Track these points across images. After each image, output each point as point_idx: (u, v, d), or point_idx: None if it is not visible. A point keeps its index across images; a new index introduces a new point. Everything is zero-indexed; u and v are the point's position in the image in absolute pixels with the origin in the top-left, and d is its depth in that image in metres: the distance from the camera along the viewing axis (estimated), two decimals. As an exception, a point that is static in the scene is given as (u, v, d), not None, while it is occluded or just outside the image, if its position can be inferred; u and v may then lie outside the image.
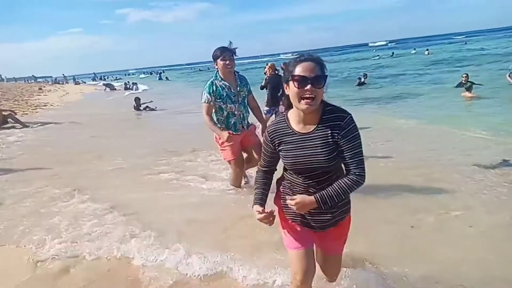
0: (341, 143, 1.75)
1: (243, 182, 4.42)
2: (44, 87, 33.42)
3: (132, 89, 29.89)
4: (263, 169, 2.02)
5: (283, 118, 1.88)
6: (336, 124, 1.76)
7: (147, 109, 14.53)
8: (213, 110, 3.93)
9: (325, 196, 1.79)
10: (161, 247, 3.09)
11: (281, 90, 7.62)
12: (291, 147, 1.83)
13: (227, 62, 3.84)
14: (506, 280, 2.47)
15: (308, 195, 1.84)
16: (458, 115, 8.65)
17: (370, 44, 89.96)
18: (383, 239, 3.06)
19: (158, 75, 49.64)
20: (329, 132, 1.76)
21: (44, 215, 4.00)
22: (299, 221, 1.97)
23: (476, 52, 29.56)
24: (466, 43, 48.94)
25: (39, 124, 11.49)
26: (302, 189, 1.89)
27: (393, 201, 3.83)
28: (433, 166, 4.90)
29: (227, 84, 3.92)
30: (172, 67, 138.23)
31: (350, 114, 1.79)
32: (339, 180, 1.80)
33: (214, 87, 3.89)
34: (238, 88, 3.99)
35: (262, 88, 8.23)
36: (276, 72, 8.13)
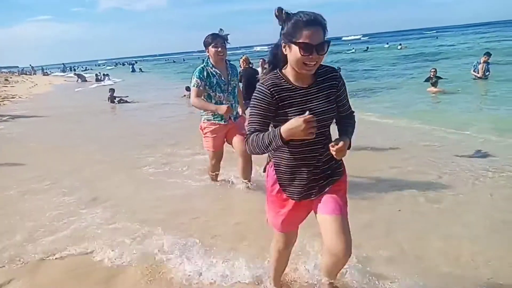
0: (339, 98, 1.86)
1: (246, 184, 4.15)
2: (10, 77, 32.08)
3: (103, 80, 29.18)
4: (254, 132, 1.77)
5: (278, 74, 1.79)
6: (333, 83, 1.83)
7: (121, 101, 14.28)
8: (202, 97, 3.83)
9: (350, 137, 1.86)
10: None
11: (257, 82, 7.89)
12: (297, 102, 1.76)
13: (219, 49, 3.78)
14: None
15: (310, 161, 1.85)
16: (423, 110, 9.03)
17: (344, 38, 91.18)
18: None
19: (131, 66, 48.35)
20: (328, 89, 1.82)
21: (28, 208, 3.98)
22: (301, 196, 1.91)
23: (447, 48, 30.56)
24: (437, 38, 50.41)
25: (8, 116, 11.13)
26: (312, 154, 1.84)
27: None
28: (406, 159, 5.14)
29: (218, 72, 3.85)
30: (145, 58, 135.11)
31: (339, 71, 1.90)
32: (346, 124, 1.92)
33: (205, 73, 3.81)
34: (229, 77, 3.92)
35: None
36: (250, 65, 8.24)
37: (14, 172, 5.46)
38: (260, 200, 2.91)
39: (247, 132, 1.80)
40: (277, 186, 1.95)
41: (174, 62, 61.66)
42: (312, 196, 1.92)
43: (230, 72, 3.95)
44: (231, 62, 4.06)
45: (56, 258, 2.94)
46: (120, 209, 3.85)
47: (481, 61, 12.33)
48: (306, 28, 1.64)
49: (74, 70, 54.30)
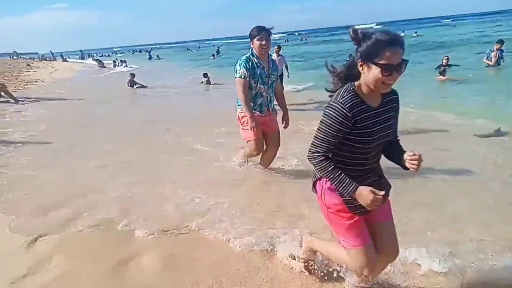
0: (394, 121, 1.91)
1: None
2: (32, 63, 33.08)
3: (120, 66, 29.89)
4: (325, 155, 1.81)
5: (354, 93, 1.77)
6: (394, 103, 1.90)
7: (139, 86, 14.80)
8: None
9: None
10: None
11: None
12: (371, 122, 1.77)
13: (264, 42, 3.80)
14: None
15: (367, 176, 1.88)
16: (429, 96, 9.20)
17: (356, 27, 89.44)
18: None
19: (148, 53, 49.13)
20: (391, 111, 1.87)
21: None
22: (362, 211, 1.88)
23: (464, 36, 30.08)
24: (454, 26, 49.42)
25: (33, 99, 11.73)
26: (365, 169, 1.88)
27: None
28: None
29: (262, 64, 3.91)
30: (161, 46, 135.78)
31: (398, 93, 1.93)
32: (397, 147, 1.93)
33: (250, 63, 3.86)
34: (270, 71, 3.97)
35: None
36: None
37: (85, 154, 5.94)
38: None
39: (318, 149, 1.80)
40: (342, 205, 1.90)
41: (188, 49, 62.00)
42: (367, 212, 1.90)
43: (271, 66, 4.01)
44: (271, 57, 4.13)
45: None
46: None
47: (494, 48, 12.39)
48: (388, 49, 1.63)
49: (92, 56, 55.34)
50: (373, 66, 1.67)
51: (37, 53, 79.55)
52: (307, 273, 2.40)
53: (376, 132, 1.78)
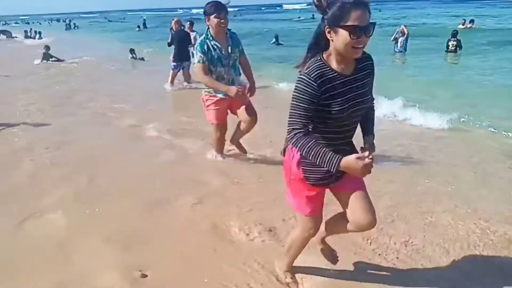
0: (370, 84, 1.88)
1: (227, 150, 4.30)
2: None
3: (34, 38, 27.05)
4: (303, 129, 1.72)
5: (321, 62, 1.73)
6: (369, 69, 1.85)
7: (55, 60, 13.60)
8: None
9: (373, 130, 1.93)
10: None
11: (188, 44, 8.22)
12: (340, 92, 1.73)
13: (222, 20, 3.59)
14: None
15: (340, 148, 1.81)
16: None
17: (285, 7, 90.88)
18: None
19: (66, 24, 44.79)
20: (367, 76, 1.83)
21: None
22: (324, 182, 1.93)
23: (387, 20, 31.94)
24: (380, 11, 52.27)
25: None
26: (336, 143, 1.85)
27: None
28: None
29: (218, 45, 3.67)
30: (80, 14, 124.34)
31: (372, 57, 1.88)
32: (370, 116, 1.94)
33: (206, 47, 3.63)
34: (230, 49, 3.73)
35: (169, 44, 8.57)
36: (182, 27, 8.47)
37: None
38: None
39: (294, 126, 1.72)
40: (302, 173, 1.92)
41: (109, 21, 57.81)
42: (336, 182, 1.94)
43: (231, 43, 3.75)
44: (231, 31, 3.83)
45: None
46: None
47: (402, 30, 13.60)
48: (354, 10, 1.60)
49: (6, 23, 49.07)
50: (340, 30, 1.63)
51: None
52: None
53: (348, 100, 1.74)
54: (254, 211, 3.16)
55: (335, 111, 1.72)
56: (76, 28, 39.77)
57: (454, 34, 13.31)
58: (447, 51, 13.32)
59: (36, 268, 2.50)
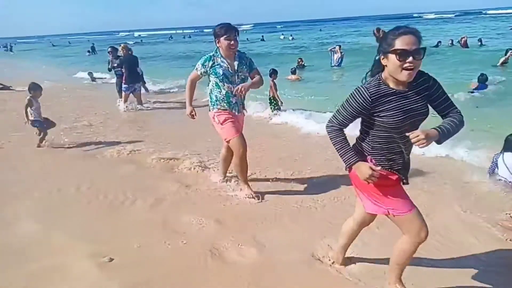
0: (432, 98, 2.02)
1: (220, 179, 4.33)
2: None
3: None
4: (339, 127, 2.08)
5: (380, 80, 1.98)
6: (426, 84, 2.01)
7: (1, 87, 13.23)
8: (198, 81, 3.90)
9: (445, 129, 1.96)
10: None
11: (137, 67, 8.79)
12: (397, 105, 1.95)
13: (232, 42, 3.63)
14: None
15: (399, 155, 2.08)
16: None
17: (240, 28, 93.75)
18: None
19: (7, 48, 42.88)
20: (422, 90, 1.99)
21: None
22: (394, 168, 2.10)
23: (327, 39, 34.01)
24: (321, 30, 55.41)
25: None
26: (397, 147, 2.06)
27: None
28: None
29: (226, 63, 3.73)
30: (19, 39, 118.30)
31: (429, 74, 2.04)
32: (450, 118, 2.02)
33: (211, 62, 3.73)
34: (236, 68, 3.78)
35: (110, 70, 9.54)
36: (130, 52, 9.03)
37: None
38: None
39: (334, 120, 2.08)
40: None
41: (54, 46, 56.00)
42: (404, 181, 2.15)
43: (238, 63, 3.80)
44: (241, 52, 3.89)
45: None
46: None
47: (336, 50, 15.11)
48: (401, 37, 1.83)
49: None
50: (390, 55, 1.86)
51: None
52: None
53: (406, 112, 1.94)
54: (200, 204, 3.82)
55: (394, 122, 1.95)
56: (12, 52, 38.18)
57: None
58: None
59: (8, 261, 2.91)
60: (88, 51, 32.70)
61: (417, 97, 1.98)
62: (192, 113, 3.94)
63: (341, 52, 15.08)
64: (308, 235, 3.22)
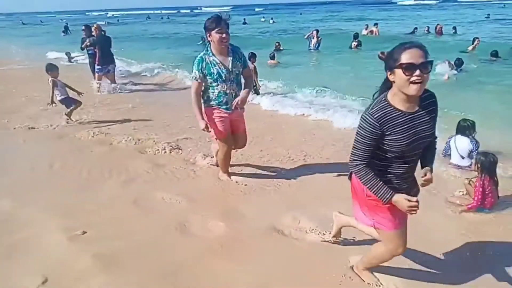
0: (434, 115, 2.01)
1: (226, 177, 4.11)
2: None
3: None
4: (364, 162, 1.99)
5: (385, 102, 1.92)
6: (432, 104, 1.99)
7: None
8: (202, 88, 3.67)
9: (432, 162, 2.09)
10: None
11: (110, 47, 8.66)
12: (404, 128, 1.91)
13: (224, 35, 3.47)
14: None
15: (403, 179, 2.06)
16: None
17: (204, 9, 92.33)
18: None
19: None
20: (431, 113, 1.97)
21: None
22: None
23: (309, 23, 33.98)
24: (301, 14, 55.20)
25: None
26: (399, 173, 2.04)
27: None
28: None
29: (218, 61, 3.58)
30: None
31: (430, 90, 2.02)
32: (430, 151, 2.10)
33: (204, 64, 3.56)
34: (231, 65, 3.62)
35: (82, 48, 9.32)
36: (102, 32, 8.87)
37: None
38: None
39: (356, 158, 1.99)
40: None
41: (24, 24, 53.60)
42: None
43: (232, 58, 3.64)
44: (234, 46, 3.72)
45: None
46: None
47: (313, 35, 15.42)
48: (406, 50, 1.82)
49: None
50: (396, 70, 1.84)
51: None
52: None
53: (414, 134, 1.92)
54: (171, 183, 3.98)
55: (401, 145, 1.92)
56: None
57: (356, 36, 15.87)
58: (350, 49, 15.55)
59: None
60: (63, 31, 31.56)
61: (426, 117, 1.97)
62: (207, 128, 3.70)
63: (318, 37, 15.27)
64: (273, 209, 3.44)
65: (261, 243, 2.96)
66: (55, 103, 6.15)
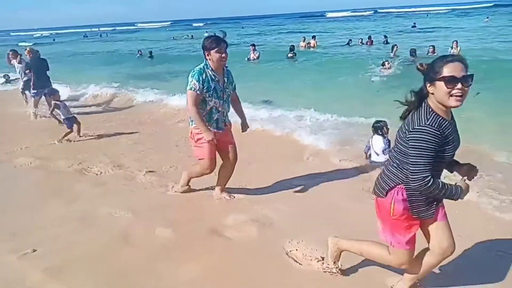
0: None
1: (225, 195, 4.07)
2: None
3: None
4: (430, 174, 1.95)
5: (434, 113, 1.95)
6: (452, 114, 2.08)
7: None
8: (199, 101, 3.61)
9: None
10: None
11: (47, 70, 8.40)
12: (453, 136, 2.00)
13: (223, 55, 3.55)
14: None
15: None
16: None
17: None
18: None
19: None
20: (454, 119, 2.09)
21: None
22: (427, 214, 2.13)
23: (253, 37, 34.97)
24: (243, 27, 56.42)
25: None
26: (438, 175, 2.10)
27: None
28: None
29: (217, 77, 3.63)
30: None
31: None
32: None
33: (204, 76, 3.56)
34: (225, 85, 3.70)
35: (23, 77, 8.94)
36: (37, 55, 8.63)
37: None
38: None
39: (424, 174, 1.92)
40: (407, 212, 2.11)
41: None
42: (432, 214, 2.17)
43: (226, 80, 3.73)
44: (228, 68, 3.81)
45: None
46: None
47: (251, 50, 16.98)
48: (447, 65, 1.86)
49: None
50: (437, 83, 1.88)
51: None
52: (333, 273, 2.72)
53: (455, 140, 2.02)
54: (114, 198, 4.17)
55: (450, 153, 2.01)
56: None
57: (292, 48, 17.60)
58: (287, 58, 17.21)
59: None
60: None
61: (456, 125, 2.09)
62: (213, 138, 3.62)
63: (255, 51, 16.87)
64: (212, 212, 3.83)
65: (203, 244, 3.27)
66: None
